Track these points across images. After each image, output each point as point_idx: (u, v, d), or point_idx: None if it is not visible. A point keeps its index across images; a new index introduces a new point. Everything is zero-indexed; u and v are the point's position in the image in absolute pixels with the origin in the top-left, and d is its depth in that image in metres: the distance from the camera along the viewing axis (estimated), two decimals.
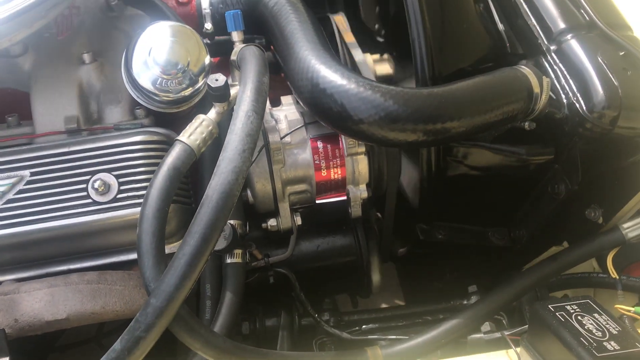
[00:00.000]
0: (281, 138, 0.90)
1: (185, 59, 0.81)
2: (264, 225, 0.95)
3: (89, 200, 0.79)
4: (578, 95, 0.87)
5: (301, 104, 0.87)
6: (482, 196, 1.02)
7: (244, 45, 0.83)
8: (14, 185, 0.78)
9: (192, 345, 0.71)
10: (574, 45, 0.90)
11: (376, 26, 1.28)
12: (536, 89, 0.85)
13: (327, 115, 0.82)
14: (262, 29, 0.99)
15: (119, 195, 0.79)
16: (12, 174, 0.79)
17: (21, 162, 0.80)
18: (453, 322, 0.89)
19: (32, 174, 0.79)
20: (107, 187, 0.79)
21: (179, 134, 0.76)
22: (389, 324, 0.98)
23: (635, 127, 0.88)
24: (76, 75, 0.92)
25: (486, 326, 0.92)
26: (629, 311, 0.87)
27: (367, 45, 1.24)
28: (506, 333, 0.87)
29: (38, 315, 0.77)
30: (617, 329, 0.73)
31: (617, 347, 0.69)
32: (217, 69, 0.98)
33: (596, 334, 0.72)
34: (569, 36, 0.91)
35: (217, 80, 0.76)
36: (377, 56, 1.21)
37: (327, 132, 0.91)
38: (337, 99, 0.79)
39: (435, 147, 0.93)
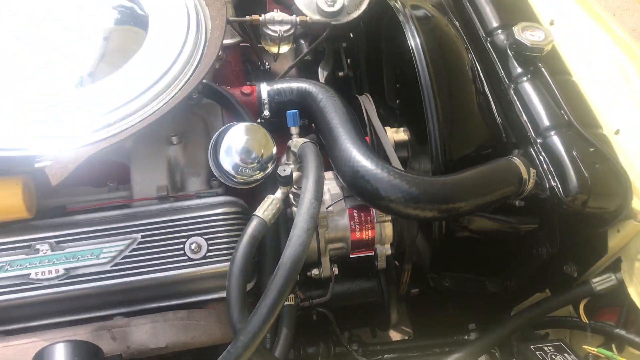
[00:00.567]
0: (326, 208, 1.16)
1: (259, 152, 1.06)
2: (308, 273, 1.20)
3: (185, 257, 1.04)
4: (557, 181, 1.12)
5: (342, 182, 1.13)
6: (481, 253, 1.28)
7: (304, 141, 1.08)
8: (129, 245, 1.03)
9: None
10: (556, 141, 1.15)
11: (396, 101, 1.54)
12: (525, 176, 1.11)
13: (363, 194, 1.08)
14: (308, 115, 1.26)
15: (208, 254, 1.04)
16: (128, 236, 1.04)
17: (135, 227, 1.05)
18: (457, 355, 1.14)
19: (143, 237, 1.04)
20: (199, 247, 1.04)
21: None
22: (405, 354, 1.23)
23: (602, 207, 1.13)
24: (166, 153, 1.16)
25: (483, 358, 1.17)
26: (593, 350, 1.13)
27: (388, 117, 1.51)
28: None
29: (144, 344, 1.02)
30: None
31: None
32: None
33: None
34: (552, 132, 1.16)
35: (284, 170, 1.02)
36: (395, 128, 1.46)
37: (361, 204, 1.17)
38: (372, 184, 1.05)
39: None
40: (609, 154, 1.14)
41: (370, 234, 1.18)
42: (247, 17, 1.36)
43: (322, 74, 1.53)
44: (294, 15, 1.41)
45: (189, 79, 1.05)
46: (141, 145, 1.16)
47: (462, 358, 1.14)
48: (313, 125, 1.28)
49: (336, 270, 1.20)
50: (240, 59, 1.50)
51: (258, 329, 0.90)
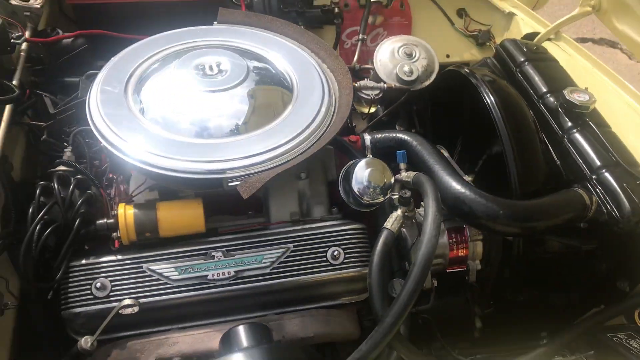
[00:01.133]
0: None
1: (382, 180, 1.34)
2: None
3: (328, 263, 1.30)
4: (613, 206, 1.41)
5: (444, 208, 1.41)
6: (549, 271, 1.54)
7: (415, 173, 1.36)
8: (284, 253, 1.29)
9: (402, 352, 1.20)
10: (608, 177, 1.44)
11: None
12: (587, 203, 1.39)
13: (462, 215, 1.36)
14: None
15: (345, 260, 1.30)
16: (283, 246, 1.30)
17: (289, 239, 1.31)
18: (538, 351, 1.38)
19: (294, 246, 1.30)
20: (338, 255, 1.30)
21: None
22: (494, 354, 1.46)
23: None
24: (296, 186, 1.44)
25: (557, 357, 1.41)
26: None
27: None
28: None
29: (296, 334, 1.25)
30: None
31: None
32: None
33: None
34: (603, 170, 1.46)
35: (405, 193, 1.30)
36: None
37: (457, 225, 1.44)
38: (470, 206, 1.33)
39: (523, 238, 1.47)
40: None
41: (464, 252, 1.44)
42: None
43: None
44: (382, 83, 1.74)
45: (326, 129, 1.35)
46: (277, 181, 1.44)
47: (542, 354, 1.38)
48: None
49: (435, 283, 1.45)
50: None
51: (400, 312, 1.15)
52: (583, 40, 4.30)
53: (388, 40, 1.84)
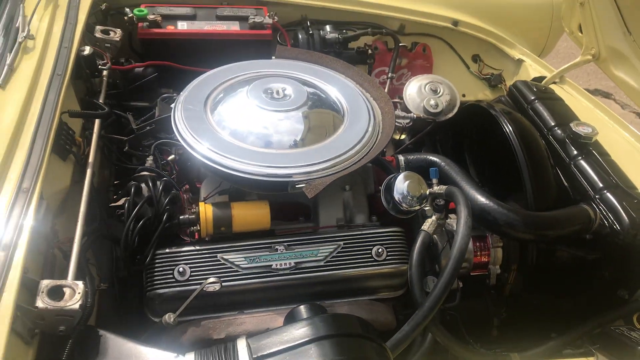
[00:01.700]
0: None
1: (418, 191, 1.57)
2: None
3: (372, 259, 1.52)
4: (614, 221, 1.64)
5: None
6: (558, 278, 1.76)
7: (446, 186, 1.59)
8: (336, 248, 1.51)
9: (437, 334, 1.41)
10: (610, 196, 1.68)
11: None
12: (592, 217, 1.63)
13: (486, 224, 1.59)
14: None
15: (387, 257, 1.52)
16: (335, 243, 1.52)
17: (339, 237, 1.53)
18: (549, 344, 1.59)
19: (344, 244, 1.52)
20: (381, 252, 1.53)
21: None
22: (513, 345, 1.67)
23: None
24: (342, 196, 1.68)
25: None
26: None
27: None
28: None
29: None
30: None
31: None
32: None
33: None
34: (605, 191, 1.70)
35: (440, 202, 1.53)
36: None
37: (481, 234, 1.67)
38: (493, 216, 1.56)
39: (536, 247, 1.69)
40: None
41: (486, 258, 1.67)
42: None
43: None
44: (412, 113, 2.00)
45: (373, 145, 1.60)
46: (325, 191, 1.67)
47: (553, 346, 1.59)
48: None
49: (461, 284, 1.66)
50: None
51: (438, 298, 1.36)
52: None
53: (416, 78, 2.11)
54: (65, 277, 1.23)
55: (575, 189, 1.79)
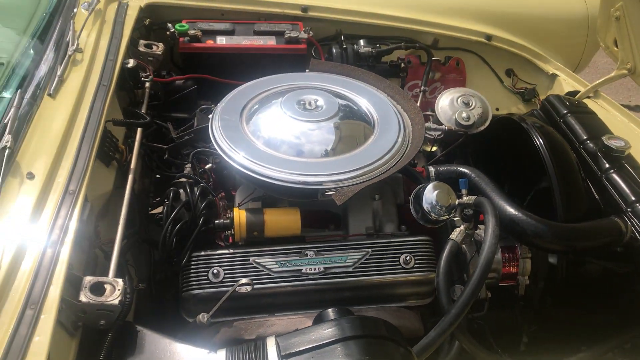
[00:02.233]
0: None
1: (447, 201, 1.60)
2: None
3: (400, 267, 1.55)
4: None
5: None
6: (588, 291, 1.75)
7: (475, 196, 1.62)
8: (364, 255, 1.55)
9: (463, 341, 1.43)
10: None
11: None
12: (624, 230, 1.63)
13: (515, 234, 1.61)
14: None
15: (415, 265, 1.55)
16: (363, 249, 1.56)
17: (369, 245, 1.57)
18: (579, 355, 1.59)
19: (373, 251, 1.56)
20: (409, 260, 1.56)
21: None
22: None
23: None
24: (371, 205, 1.72)
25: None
26: None
27: None
28: None
29: None
30: None
31: None
32: None
33: None
34: (637, 204, 1.69)
35: (469, 211, 1.56)
36: None
37: (510, 245, 1.68)
38: (522, 226, 1.58)
39: (566, 258, 1.69)
40: None
41: (515, 269, 1.68)
42: None
43: None
44: (443, 125, 2.03)
45: (403, 155, 1.64)
46: (355, 200, 1.71)
47: (583, 357, 1.58)
48: None
49: (489, 294, 1.67)
50: None
51: (464, 305, 1.38)
52: None
53: (448, 91, 2.14)
54: (106, 275, 1.30)
55: (606, 202, 1.78)
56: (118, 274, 1.33)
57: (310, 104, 1.70)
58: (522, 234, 1.59)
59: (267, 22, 2.33)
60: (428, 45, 2.47)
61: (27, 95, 1.55)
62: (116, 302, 1.21)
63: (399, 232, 1.70)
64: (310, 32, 2.26)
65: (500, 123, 2.07)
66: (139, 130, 1.76)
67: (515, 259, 1.68)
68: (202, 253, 1.53)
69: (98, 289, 1.23)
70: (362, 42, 2.34)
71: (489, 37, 2.52)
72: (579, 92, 2.29)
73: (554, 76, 2.51)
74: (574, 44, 2.72)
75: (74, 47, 1.75)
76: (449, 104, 2.09)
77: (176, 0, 2.35)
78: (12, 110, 1.44)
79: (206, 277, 1.50)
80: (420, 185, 1.63)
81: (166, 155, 1.82)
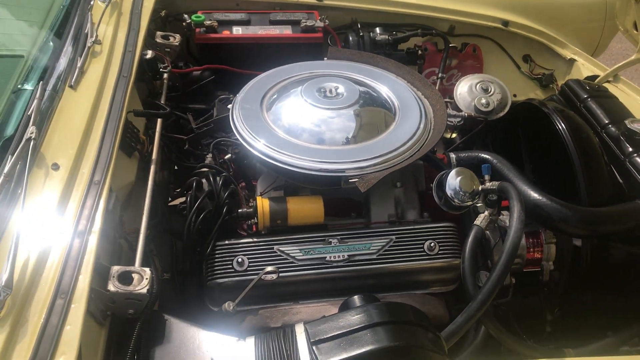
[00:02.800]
0: None
1: (470, 187, 1.59)
2: None
3: (424, 253, 1.54)
4: None
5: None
6: (614, 276, 1.74)
7: (499, 182, 1.60)
8: (388, 242, 1.54)
9: (490, 327, 1.42)
10: None
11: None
12: None
13: (540, 219, 1.59)
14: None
15: (440, 252, 1.54)
16: (387, 237, 1.55)
17: (391, 231, 1.56)
18: (606, 341, 1.58)
19: (397, 237, 1.55)
20: (434, 246, 1.55)
21: None
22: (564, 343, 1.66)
23: None
24: (393, 193, 1.70)
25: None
26: None
27: None
28: None
29: None
30: None
31: None
32: None
33: None
34: None
35: (493, 197, 1.54)
36: None
37: (534, 230, 1.67)
38: (546, 211, 1.56)
39: (590, 243, 1.68)
40: None
41: (539, 254, 1.66)
42: None
43: None
44: (463, 112, 2.01)
45: (425, 142, 1.63)
46: (377, 187, 1.70)
47: (609, 343, 1.57)
48: None
49: (514, 280, 1.66)
50: None
51: (491, 291, 1.37)
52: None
53: (466, 77, 2.12)
54: (132, 265, 1.30)
55: (630, 186, 1.76)
56: (144, 264, 1.33)
57: (330, 91, 1.69)
58: (547, 219, 1.58)
59: (283, 11, 2.32)
60: (444, 32, 2.46)
61: (49, 87, 1.55)
62: (144, 290, 1.21)
63: (422, 219, 1.69)
64: (326, 20, 2.25)
65: (521, 108, 2.05)
66: (159, 121, 1.76)
67: (540, 245, 1.67)
68: (226, 242, 1.53)
69: (126, 279, 1.23)
70: (378, 29, 2.32)
71: (505, 23, 2.50)
72: (598, 76, 2.27)
73: (572, 61, 2.48)
74: (592, 29, 2.69)
75: (93, 39, 1.75)
76: (467, 91, 2.07)
77: None
78: (35, 102, 1.44)
79: (231, 266, 1.49)
80: (443, 172, 1.62)
81: (186, 146, 1.82)
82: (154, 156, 1.63)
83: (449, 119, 1.98)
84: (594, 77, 2.28)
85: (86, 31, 1.80)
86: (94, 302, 1.18)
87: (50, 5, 1.97)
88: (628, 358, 1.59)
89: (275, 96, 1.72)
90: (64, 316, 1.08)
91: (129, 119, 1.63)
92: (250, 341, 1.23)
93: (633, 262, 1.71)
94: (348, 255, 1.52)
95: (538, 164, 2.02)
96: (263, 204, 1.54)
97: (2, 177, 1.25)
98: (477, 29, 2.52)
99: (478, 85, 2.09)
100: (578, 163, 1.71)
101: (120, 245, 1.44)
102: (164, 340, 1.26)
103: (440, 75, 2.36)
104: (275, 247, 1.52)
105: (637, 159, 1.77)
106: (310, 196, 1.61)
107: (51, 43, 1.79)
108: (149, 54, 1.86)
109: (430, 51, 2.43)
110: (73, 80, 1.60)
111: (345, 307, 1.37)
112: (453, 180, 1.58)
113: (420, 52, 2.32)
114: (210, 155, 1.73)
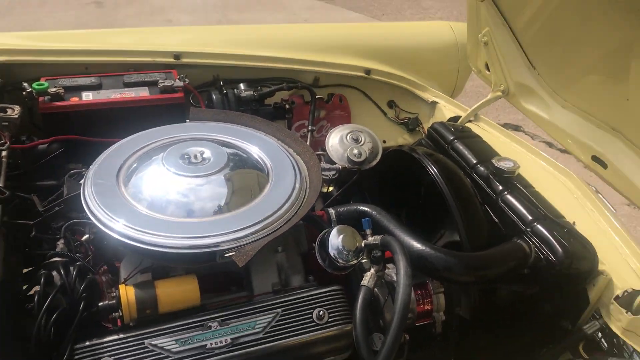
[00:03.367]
0: None
1: (353, 245, 1.51)
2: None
3: (314, 323, 1.43)
4: (548, 253, 1.64)
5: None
6: (502, 317, 1.73)
7: (381, 236, 1.54)
8: (274, 317, 1.41)
9: None
10: (540, 228, 1.68)
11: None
12: (528, 251, 1.62)
13: (425, 270, 1.55)
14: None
15: (330, 319, 1.44)
16: (272, 311, 1.42)
17: (277, 305, 1.43)
18: None
19: (283, 311, 1.43)
20: (323, 315, 1.44)
21: None
22: None
23: (580, 268, 1.64)
24: (275, 259, 1.59)
25: None
26: None
27: None
28: None
29: None
30: None
31: None
32: None
33: None
34: (535, 223, 1.71)
35: (377, 253, 1.47)
36: None
37: (421, 281, 1.62)
38: (430, 261, 1.52)
39: (477, 287, 1.66)
40: (576, 231, 1.69)
41: (429, 306, 1.62)
42: None
43: None
44: (337, 164, 1.96)
45: (303, 202, 1.54)
46: (257, 255, 1.58)
47: None
48: None
49: (407, 337, 1.59)
50: None
51: (388, 356, 1.29)
52: None
53: (336, 129, 2.08)
54: None
55: (505, 224, 1.78)
56: None
57: (195, 156, 1.55)
58: (432, 270, 1.54)
59: (138, 72, 2.16)
60: (309, 84, 2.42)
61: None
62: None
63: (307, 283, 1.58)
64: (186, 79, 2.12)
65: (392, 156, 2.04)
66: None
67: (429, 295, 1.62)
68: (87, 343, 1.31)
69: None
70: (242, 86, 2.24)
71: (367, 71, 2.52)
72: (460, 117, 2.33)
73: (434, 103, 2.55)
74: (448, 71, 2.79)
75: None
76: (339, 142, 2.03)
77: (31, 58, 2.12)
78: None
79: None
80: (325, 231, 1.54)
81: (33, 232, 1.58)
82: None
83: (323, 173, 1.92)
84: (457, 117, 2.35)
85: None
86: None
87: None
88: None
89: (134, 167, 1.55)
90: None
91: None
92: None
93: (518, 301, 1.72)
94: (231, 339, 1.37)
95: (415, 210, 2.01)
96: (127, 292, 1.35)
97: None
98: (341, 78, 2.51)
99: (349, 136, 2.05)
100: (455, 206, 1.70)
101: None
102: None
103: (310, 127, 2.31)
104: (146, 341, 1.33)
105: (508, 196, 1.81)
106: (183, 276, 1.44)
107: None
108: None
109: (297, 104, 2.38)
110: None
111: None
112: (335, 240, 1.49)
113: (287, 106, 2.26)
114: (62, 241, 1.51)
